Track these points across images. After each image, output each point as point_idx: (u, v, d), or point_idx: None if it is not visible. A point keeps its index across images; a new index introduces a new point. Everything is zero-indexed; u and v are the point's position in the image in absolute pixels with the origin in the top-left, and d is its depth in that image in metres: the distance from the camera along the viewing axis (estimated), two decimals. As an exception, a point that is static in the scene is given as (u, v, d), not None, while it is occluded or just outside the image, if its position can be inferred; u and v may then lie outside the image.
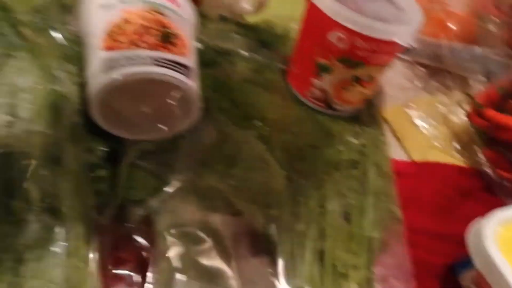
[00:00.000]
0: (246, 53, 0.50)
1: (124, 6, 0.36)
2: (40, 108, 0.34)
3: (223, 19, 0.55)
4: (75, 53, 0.38)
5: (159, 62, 0.34)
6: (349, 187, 0.43)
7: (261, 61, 0.50)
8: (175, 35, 0.36)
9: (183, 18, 0.39)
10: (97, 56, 0.34)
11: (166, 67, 0.34)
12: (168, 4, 0.38)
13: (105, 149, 0.39)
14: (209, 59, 0.46)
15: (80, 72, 0.38)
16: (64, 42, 0.39)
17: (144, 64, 0.33)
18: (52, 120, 0.34)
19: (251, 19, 0.56)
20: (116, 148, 0.40)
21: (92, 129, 0.38)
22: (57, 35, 0.39)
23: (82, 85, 0.37)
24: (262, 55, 0.51)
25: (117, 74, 0.33)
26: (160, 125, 0.38)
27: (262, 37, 0.53)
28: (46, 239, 0.32)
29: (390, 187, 0.45)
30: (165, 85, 0.35)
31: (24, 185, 0.32)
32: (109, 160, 0.39)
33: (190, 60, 0.37)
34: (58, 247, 0.32)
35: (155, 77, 0.34)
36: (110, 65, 0.33)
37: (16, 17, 0.38)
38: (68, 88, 0.36)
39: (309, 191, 0.41)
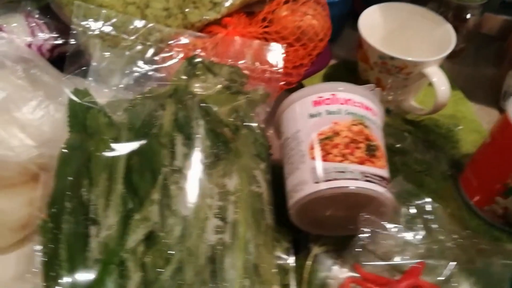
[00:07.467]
0: (418, 155, 0.49)
1: (332, 117, 0.38)
2: (244, 211, 0.35)
3: (387, 112, 0.55)
4: (264, 150, 0.40)
5: (367, 177, 0.35)
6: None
7: (431, 163, 0.49)
8: (376, 147, 0.37)
9: (379, 126, 0.40)
10: (306, 164, 0.36)
11: (372, 182, 0.35)
12: (369, 115, 0.39)
13: (290, 242, 0.40)
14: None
15: (268, 169, 0.40)
16: (256, 139, 0.40)
17: (354, 179, 0.35)
18: (253, 223, 0.35)
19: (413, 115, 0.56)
20: (298, 240, 0.41)
21: (279, 222, 0.40)
22: (250, 133, 0.40)
23: (270, 182, 0.39)
24: (430, 157, 0.51)
25: (327, 186, 0.35)
26: (350, 226, 0.37)
27: (430, 137, 0.53)
28: None
29: None
30: (367, 197, 0.35)
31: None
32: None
33: (388, 171, 0.38)
34: None
35: (362, 192, 0.35)
36: (321, 175, 0.35)
37: (220, 119, 0.39)
38: (263, 187, 0.38)
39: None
